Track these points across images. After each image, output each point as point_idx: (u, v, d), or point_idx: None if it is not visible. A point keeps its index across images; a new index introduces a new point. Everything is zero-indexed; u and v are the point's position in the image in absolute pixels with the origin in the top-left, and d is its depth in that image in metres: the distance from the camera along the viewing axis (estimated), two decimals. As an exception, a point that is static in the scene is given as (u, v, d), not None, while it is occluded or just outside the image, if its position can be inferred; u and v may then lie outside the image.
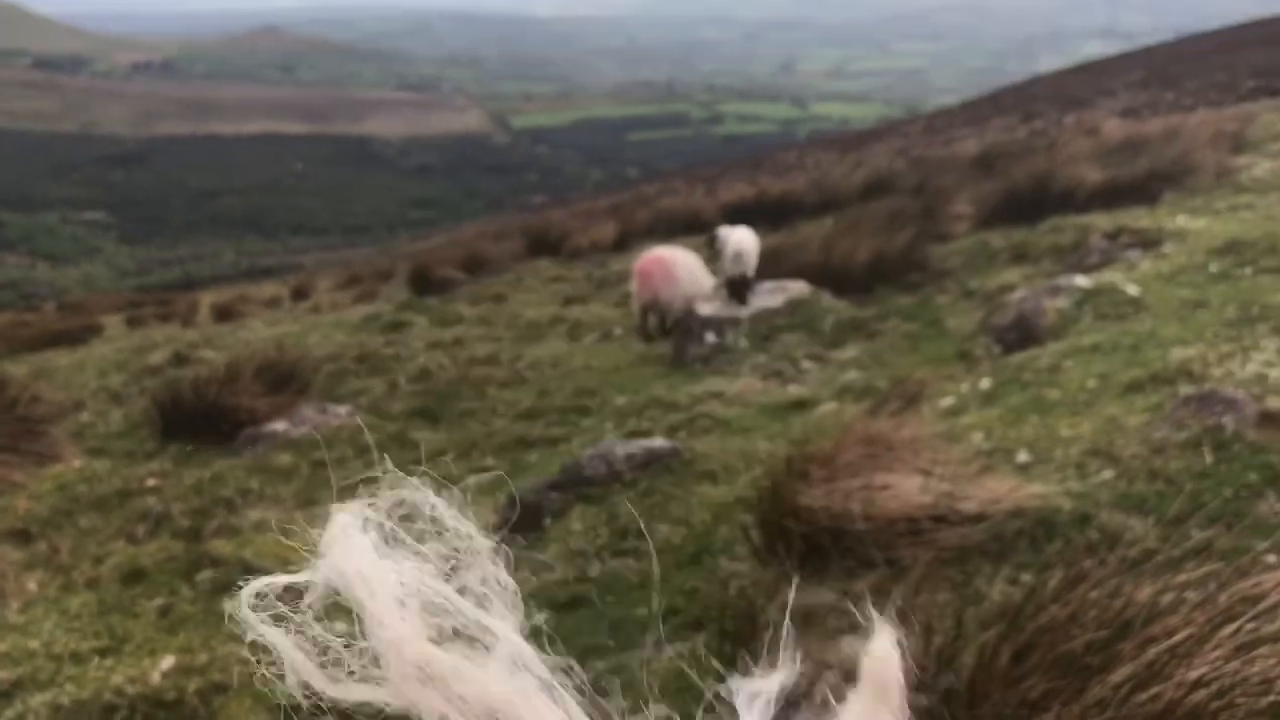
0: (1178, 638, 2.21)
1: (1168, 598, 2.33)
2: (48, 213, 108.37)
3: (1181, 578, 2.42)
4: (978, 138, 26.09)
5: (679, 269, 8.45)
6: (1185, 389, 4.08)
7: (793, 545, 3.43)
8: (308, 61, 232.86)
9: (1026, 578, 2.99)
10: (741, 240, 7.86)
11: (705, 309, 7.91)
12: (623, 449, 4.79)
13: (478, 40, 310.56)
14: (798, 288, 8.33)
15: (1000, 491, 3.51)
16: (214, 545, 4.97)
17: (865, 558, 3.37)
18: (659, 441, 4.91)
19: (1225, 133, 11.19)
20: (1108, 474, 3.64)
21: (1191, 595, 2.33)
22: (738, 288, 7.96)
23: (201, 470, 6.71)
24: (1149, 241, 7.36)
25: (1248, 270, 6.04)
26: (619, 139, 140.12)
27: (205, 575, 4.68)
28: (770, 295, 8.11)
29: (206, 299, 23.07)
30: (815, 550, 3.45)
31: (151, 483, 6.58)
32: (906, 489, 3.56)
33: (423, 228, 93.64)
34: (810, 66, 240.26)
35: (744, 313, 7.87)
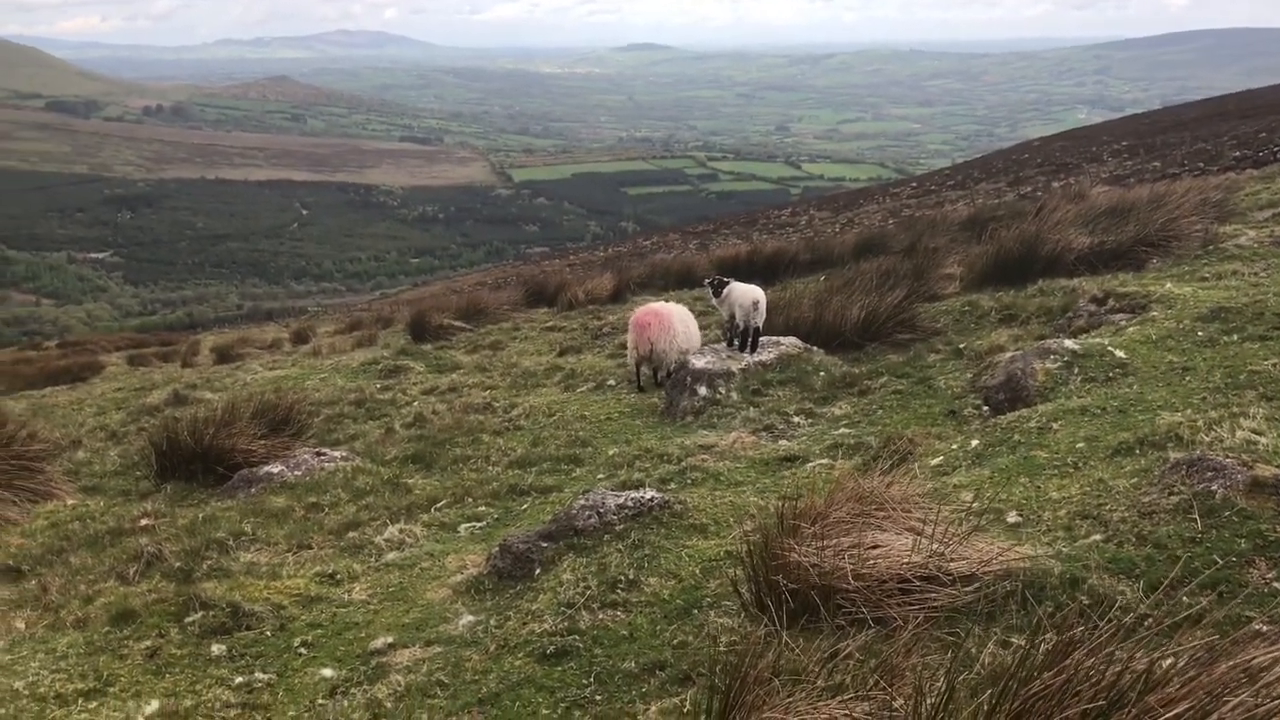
0: (1177, 710, 2.17)
1: (1164, 666, 2.31)
2: (54, 252, 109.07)
3: (1176, 647, 2.39)
4: (968, 200, 26.44)
5: (675, 322, 8.54)
6: (1174, 454, 4.08)
7: (783, 601, 3.42)
8: (315, 111, 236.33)
9: (1018, 641, 2.97)
10: (759, 292, 8.07)
11: (698, 362, 7.95)
12: (614, 500, 4.78)
13: (482, 95, 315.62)
14: (790, 343, 8.38)
15: (990, 553, 3.51)
16: (205, 587, 4.92)
17: (855, 616, 3.35)
18: (650, 493, 4.90)
19: (1210, 201, 11.32)
20: (1097, 537, 3.65)
21: (1187, 665, 2.31)
22: (749, 338, 8.07)
23: (195, 511, 6.67)
24: (1136, 306, 7.43)
25: (1234, 337, 6.10)
26: (617, 193, 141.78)
27: (195, 618, 4.63)
28: (762, 350, 8.16)
29: (208, 340, 23.09)
30: (805, 607, 3.43)
31: (145, 522, 6.54)
32: (897, 548, 3.56)
33: (423, 275, 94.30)
34: (805, 127, 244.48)
35: (736, 366, 7.91)
